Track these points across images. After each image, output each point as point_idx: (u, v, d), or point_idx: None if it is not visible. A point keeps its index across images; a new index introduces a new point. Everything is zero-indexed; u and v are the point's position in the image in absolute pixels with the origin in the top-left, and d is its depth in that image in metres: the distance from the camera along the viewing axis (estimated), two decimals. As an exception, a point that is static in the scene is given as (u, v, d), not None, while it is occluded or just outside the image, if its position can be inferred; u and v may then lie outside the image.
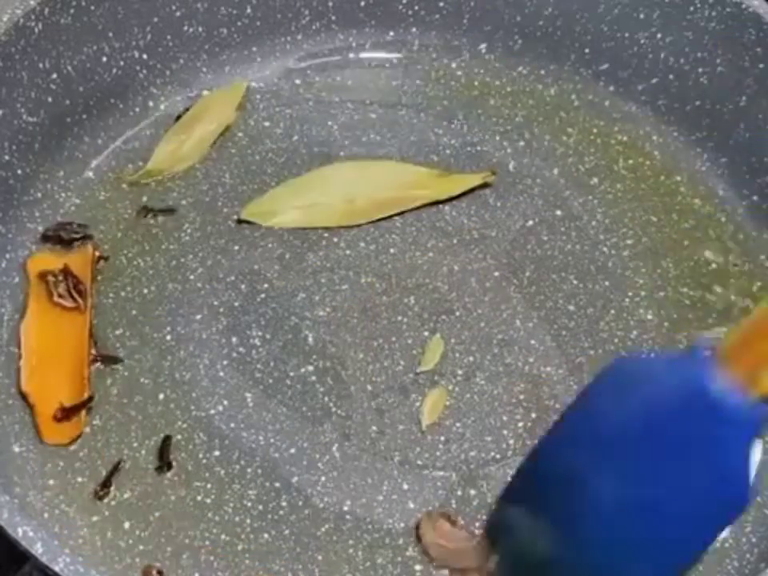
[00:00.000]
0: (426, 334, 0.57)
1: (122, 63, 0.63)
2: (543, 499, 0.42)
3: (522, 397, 0.55)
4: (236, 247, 0.60)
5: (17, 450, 0.52)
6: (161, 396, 0.54)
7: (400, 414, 0.54)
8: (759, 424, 0.36)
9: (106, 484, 0.51)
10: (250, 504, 0.51)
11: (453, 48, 0.69)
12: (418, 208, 0.62)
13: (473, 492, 0.52)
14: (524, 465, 0.45)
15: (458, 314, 0.58)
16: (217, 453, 0.53)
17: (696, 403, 0.37)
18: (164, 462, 0.52)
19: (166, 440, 0.53)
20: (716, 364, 0.36)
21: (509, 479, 0.46)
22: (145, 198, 0.62)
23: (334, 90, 0.68)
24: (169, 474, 0.52)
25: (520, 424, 0.54)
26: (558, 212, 0.62)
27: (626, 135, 0.66)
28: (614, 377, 0.40)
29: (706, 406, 0.36)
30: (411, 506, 0.51)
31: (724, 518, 0.38)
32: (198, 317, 0.57)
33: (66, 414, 0.52)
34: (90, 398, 0.53)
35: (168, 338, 0.57)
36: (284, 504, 0.51)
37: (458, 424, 0.54)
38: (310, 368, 0.56)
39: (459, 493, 0.52)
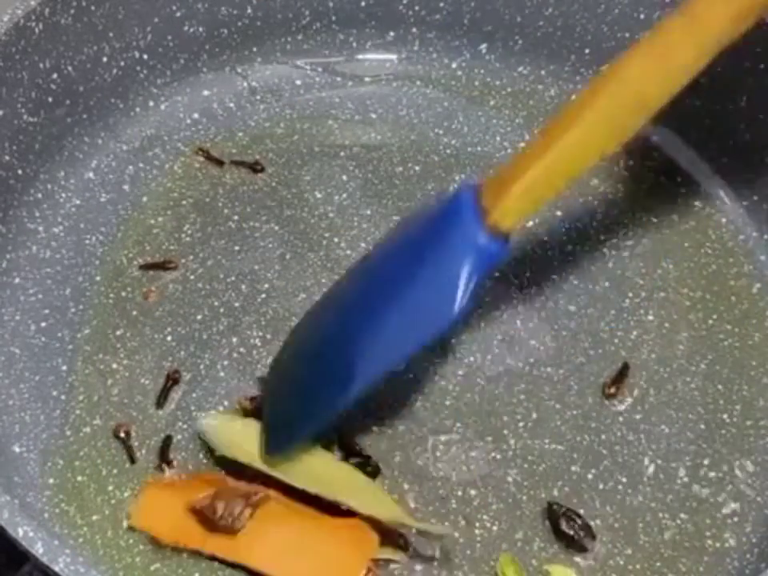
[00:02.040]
0: (426, 334, 0.57)
1: (122, 63, 0.63)
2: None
3: (522, 397, 0.55)
4: (236, 247, 0.60)
5: (17, 450, 0.53)
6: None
7: (400, 414, 0.54)
8: (492, 253, 0.42)
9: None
10: (250, 504, 0.51)
11: (453, 48, 0.69)
12: (417, 208, 0.62)
13: (473, 492, 0.52)
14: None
15: (458, 314, 0.58)
16: (217, 453, 0.53)
17: (446, 227, 0.43)
18: (164, 461, 0.52)
19: (167, 440, 0.53)
20: (473, 198, 0.43)
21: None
22: (145, 199, 0.62)
23: (333, 90, 0.68)
24: (169, 474, 0.52)
25: (520, 424, 0.54)
26: (558, 212, 0.62)
27: (626, 135, 0.66)
28: (402, 221, 0.49)
29: (451, 229, 0.43)
30: (411, 505, 0.51)
31: (430, 329, 0.44)
32: (199, 317, 0.57)
33: None
34: None
35: (168, 338, 0.57)
36: (284, 504, 0.51)
37: (458, 424, 0.54)
38: (310, 368, 0.56)
39: (459, 493, 0.52)
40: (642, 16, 0.64)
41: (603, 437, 0.54)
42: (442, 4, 0.67)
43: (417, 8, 0.68)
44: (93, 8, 0.59)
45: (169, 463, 0.52)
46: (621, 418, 0.55)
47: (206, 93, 0.67)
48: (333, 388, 0.47)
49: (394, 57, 0.69)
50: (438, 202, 0.45)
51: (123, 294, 0.58)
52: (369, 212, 0.62)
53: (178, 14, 0.64)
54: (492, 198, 0.42)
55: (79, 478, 0.52)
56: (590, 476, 0.53)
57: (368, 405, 0.54)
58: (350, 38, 0.68)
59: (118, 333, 0.57)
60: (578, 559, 0.50)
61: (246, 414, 0.53)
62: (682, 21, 0.42)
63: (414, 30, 0.68)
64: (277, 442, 0.49)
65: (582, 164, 0.43)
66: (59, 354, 0.56)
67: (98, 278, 0.59)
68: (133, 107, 0.65)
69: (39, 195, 0.60)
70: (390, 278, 0.45)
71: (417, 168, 0.64)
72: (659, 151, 0.65)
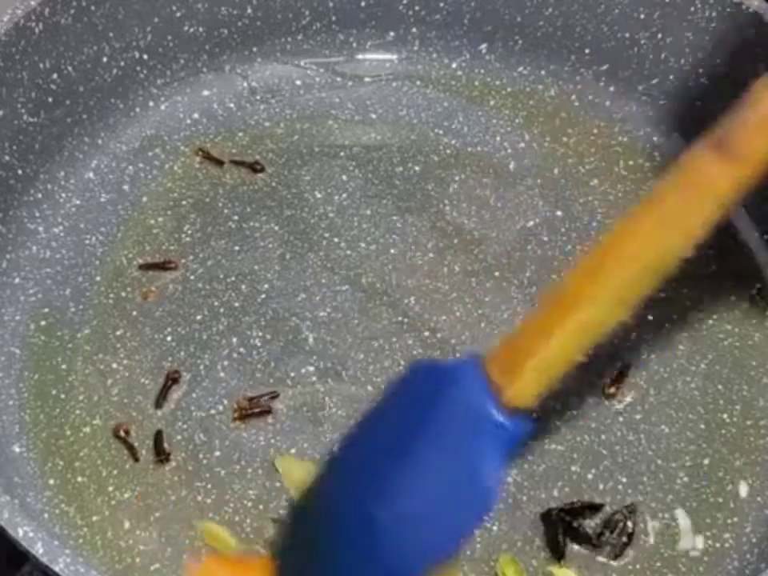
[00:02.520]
0: (427, 334, 0.57)
1: (122, 63, 0.63)
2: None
3: (522, 397, 0.55)
4: (236, 247, 0.60)
5: (17, 450, 0.53)
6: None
7: (400, 414, 0.54)
8: (514, 434, 0.39)
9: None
10: (250, 504, 0.51)
11: (453, 48, 0.69)
12: (418, 209, 0.62)
13: (473, 492, 0.52)
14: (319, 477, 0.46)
15: (458, 314, 0.58)
16: (217, 453, 0.53)
17: (462, 411, 0.39)
18: (162, 455, 0.52)
19: (158, 434, 0.53)
20: (482, 373, 0.39)
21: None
22: (145, 199, 0.62)
23: (333, 90, 0.68)
24: (169, 474, 0.52)
25: (520, 424, 0.54)
26: (558, 212, 0.62)
27: (626, 136, 0.66)
28: (403, 383, 0.43)
29: (468, 414, 0.39)
30: (411, 506, 0.51)
31: (469, 523, 0.40)
32: (199, 317, 0.57)
33: None
34: None
35: (168, 338, 0.57)
36: (284, 504, 0.51)
37: (458, 424, 0.54)
38: (310, 368, 0.56)
39: (459, 493, 0.52)
40: (642, 16, 0.64)
41: (603, 437, 0.54)
42: (441, 4, 0.67)
43: (417, 8, 0.68)
44: (93, 8, 0.59)
45: (167, 456, 0.52)
46: (621, 418, 0.55)
47: (206, 93, 0.67)
48: None
49: (394, 57, 0.69)
50: (437, 379, 0.41)
51: (123, 294, 0.58)
52: (369, 212, 0.62)
53: (178, 14, 0.64)
54: (503, 375, 0.39)
55: (79, 479, 0.52)
56: (589, 476, 0.53)
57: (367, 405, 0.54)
58: (349, 38, 0.68)
59: (118, 333, 0.57)
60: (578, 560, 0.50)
61: (243, 414, 0.53)
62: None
63: (414, 30, 0.68)
64: None
65: (599, 334, 0.40)
66: (59, 353, 0.56)
67: (97, 278, 0.59)
68: (133, 107, 0.65)
69: (39, 195, 0.60)
70: (400, 472, 0.40)
71: (417, 168, 0.64)
72: (659, 151, 0.65)
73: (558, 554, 0.50)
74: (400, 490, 0.40)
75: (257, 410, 0.54)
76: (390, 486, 0.40)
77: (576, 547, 0.50)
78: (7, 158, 0.57)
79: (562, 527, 0.50)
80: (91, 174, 0.63)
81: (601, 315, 0.40)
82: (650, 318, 0.58)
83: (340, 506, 0.43)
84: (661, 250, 0.40)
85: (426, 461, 0.40)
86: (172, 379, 0.55)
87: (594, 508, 0.51)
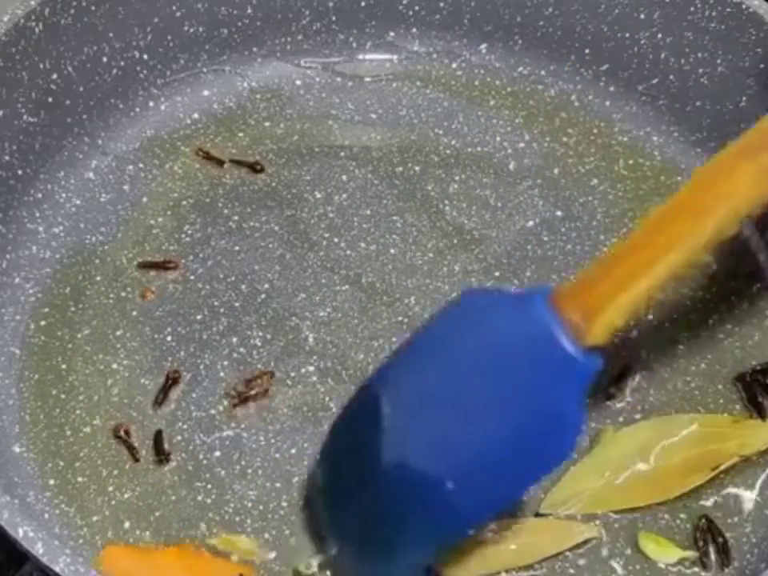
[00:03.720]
0: (426, 334, 0.57)
1: (122, 63, 0.63)
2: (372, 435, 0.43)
3: (522, 397, 0.55)
4: (236, 248, 0.60)
5: (17, 450, 0.53)
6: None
7: (400, 414, 0.54)
8: (590, 371, 0.38)
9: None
10: (250, 504, 0.51)
11: (453, 48, 0.69)
12: (418, 209, 0.62)
13: (473, 492, 0.52)
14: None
15: (458, 314, 0.58)
16: (217, 453, 0.53)
17: (533, 346, 0.38)
18: (162, 455, 0.52)
19: (158, 434, 0.53)
20: (554, 309, 0.37)
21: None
22: (145, 199, 0.62)
23: (334, 90, 0.68)
24: (169, 474, 0.52)
25: (520, 424, 0.54)
26: (558, 212, 0.62)
27: (626, 136, 0.66)
28: (458, 310, 0.41)
29: (542, 349, 0.37)
30: (411, 506, 0.51)
31: (551, 460, 0.39)
32: (199, 317, 0.57)
33: None
34: None
35: (168, 338, 0.57)
36: (284, 504, 0.51)
37: (458, 424, 0.54)
38: (310, 368, 0.56)
39: (459, 493, 0.52)
40: (642, 16, 0.64)
41: (603, 437, 0.54)
42: (441, 4, 0.67)
43: (417, 8, 0.68)
44: (93, 8, 0.59)
45: (167, 456, 0.52)
46: (621, 418, 0.55)
47: (206, 93, 0.67)
48: (428, 534, 0.41)
49: (394, 57, 0.69)
50: (499, 309, 0.39)
51: (123, 294, 0.58)
52: (369, 212, 0.62)
53: (178, 14, 0.64)
54: (577, 310, 0.38)
55: (79, 479, 0.52)
56: (590, 476, 0.53)
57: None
58: (349, 38, 0.68)
59: (118, 333, 0.57)
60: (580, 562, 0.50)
61: (242, 399, 0.54)
62: None
63: (414, 30, 0.68)
64: None
65: (677, 275, 0.39)
66: (59, 353, 0.56)
67: (97, 278, 0.59)
68: (133, 107, 0.65)
69: (39, 195, 0.60)
70: (466, 409, 0.39)
71: (417, 168, 0.64)
72: (659, 151, 0.65)
73: (761, 411, 0.54)
74: (465, 437, 0.38)
75: (254, 392, 0.54)
76: (452, 433, 0.39)
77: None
78: (7, 157, 0.57)
79: (759, 387, 0.54)
80: (91, 174, 0.63)
81: (690, 256, 0.39)
82: (650, 317, 0.58)
83: (392, 460, 0.41)
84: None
85: (494, 399, 0.38)
86: (172, 379, 0.55)
87: None
